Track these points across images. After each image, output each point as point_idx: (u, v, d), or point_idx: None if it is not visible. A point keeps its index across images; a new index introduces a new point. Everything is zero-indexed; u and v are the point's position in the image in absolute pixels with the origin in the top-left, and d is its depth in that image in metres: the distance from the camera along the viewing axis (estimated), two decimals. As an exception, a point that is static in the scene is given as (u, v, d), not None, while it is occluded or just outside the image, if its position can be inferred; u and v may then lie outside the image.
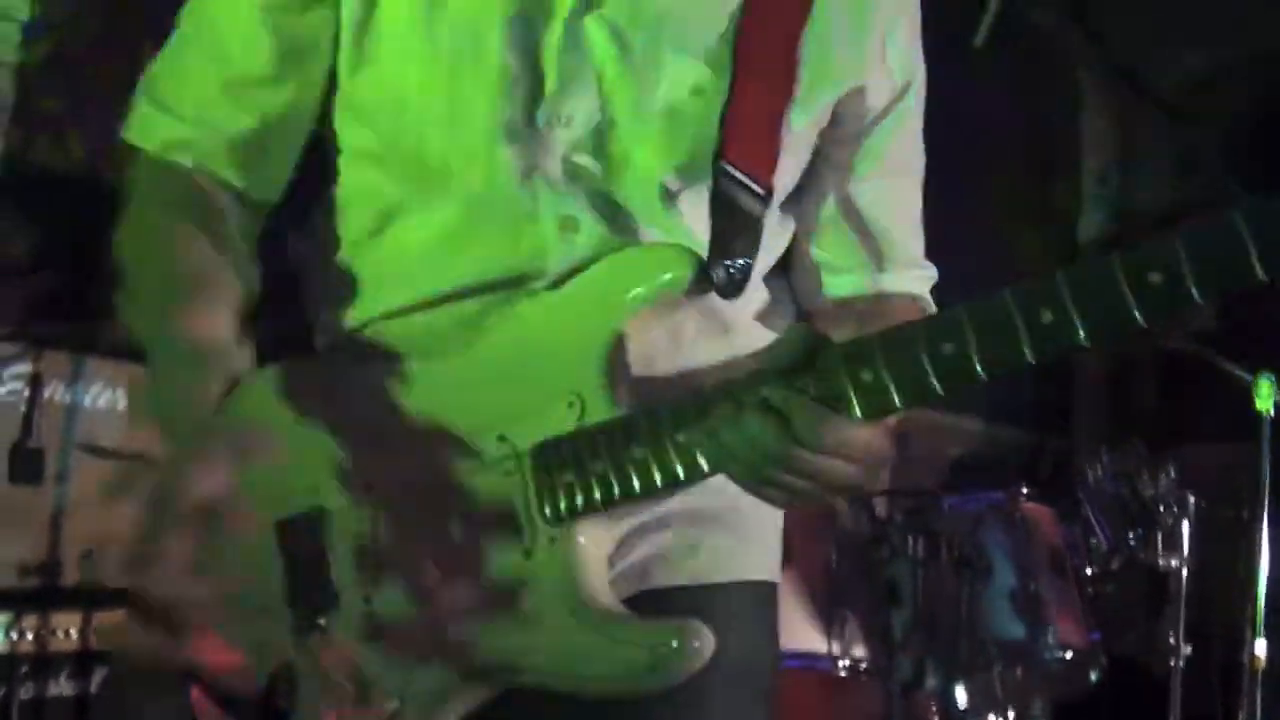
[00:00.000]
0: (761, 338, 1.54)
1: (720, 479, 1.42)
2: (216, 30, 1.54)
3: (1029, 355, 1.15)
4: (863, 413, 1.21)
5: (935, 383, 1.18)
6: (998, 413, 5.70)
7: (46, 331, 3.26)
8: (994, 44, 2.81)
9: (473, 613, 1.38)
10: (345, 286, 1.57)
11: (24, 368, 3.13)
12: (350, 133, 1.56)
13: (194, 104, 1.56)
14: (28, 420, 3.05)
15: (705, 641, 1.31)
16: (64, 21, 4.27)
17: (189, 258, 1.55)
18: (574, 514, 1.36)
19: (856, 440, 1.22)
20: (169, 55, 1.59)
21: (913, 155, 1.66)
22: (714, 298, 1.46)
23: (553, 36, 1.43)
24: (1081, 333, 1.14)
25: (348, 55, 1.51)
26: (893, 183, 1.64)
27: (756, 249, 1.48)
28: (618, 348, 1.39)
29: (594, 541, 1.38)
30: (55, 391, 3.23)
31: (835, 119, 1.56)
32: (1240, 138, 5.68)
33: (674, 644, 1.31)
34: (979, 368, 1.16)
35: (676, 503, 1.49)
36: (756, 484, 1.28)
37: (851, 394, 1.21)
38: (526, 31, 1.43)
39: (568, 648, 1.34)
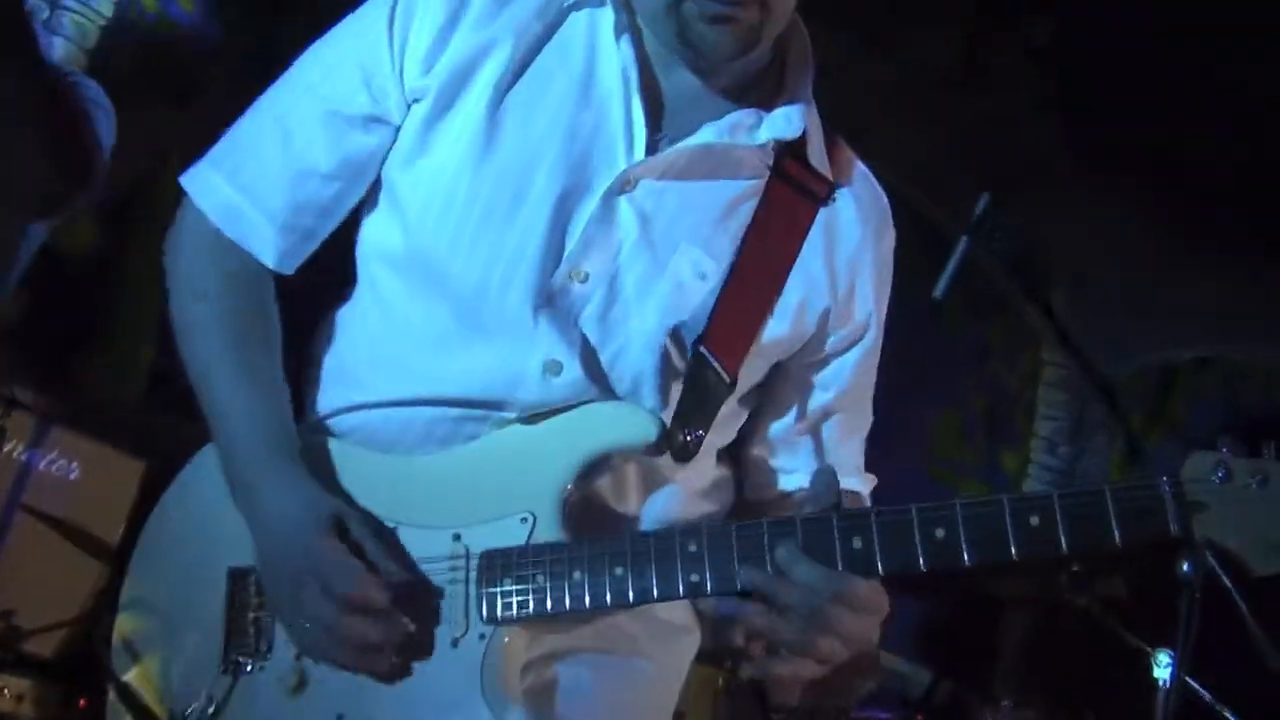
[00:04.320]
0: (696, 503, 1.73)
1: (635, 620, 1.63)
2: (286, 123, 1.68)
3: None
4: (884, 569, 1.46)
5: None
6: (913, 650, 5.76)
7: (20, 395, 3.33)
8: (956, 299, 3.03)
9: (392, 685, 1.53)
10: (335, 372, 1.74)
11: (-11, 420, 3.17)
12: (378, 229, 1.72)
13: (254, 181, 1.69)
14: (-20, 470, 3.05)
15: None
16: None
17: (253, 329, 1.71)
18: (509, 619, 1.52)
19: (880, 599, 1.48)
20: (242, 132, 1.73)
21: (866, 389, 1.85)
22: (664, 459, 1.64)
23: (588, 204, 1.62)
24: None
25: (403, 150, 1.67)
26: (847, 414, 1.83)
27: (711, 424, 1.67)
28: (575, 483, 1.58)
29: (517, 645, 1.55)
30: (15, 449, 3.31)
31: (804, 343, 1.75)
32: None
33: None
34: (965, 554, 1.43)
35: (589, 641, 1.65)
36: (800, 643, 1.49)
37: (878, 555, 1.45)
38: (565, 194, 1.62)
39: None
